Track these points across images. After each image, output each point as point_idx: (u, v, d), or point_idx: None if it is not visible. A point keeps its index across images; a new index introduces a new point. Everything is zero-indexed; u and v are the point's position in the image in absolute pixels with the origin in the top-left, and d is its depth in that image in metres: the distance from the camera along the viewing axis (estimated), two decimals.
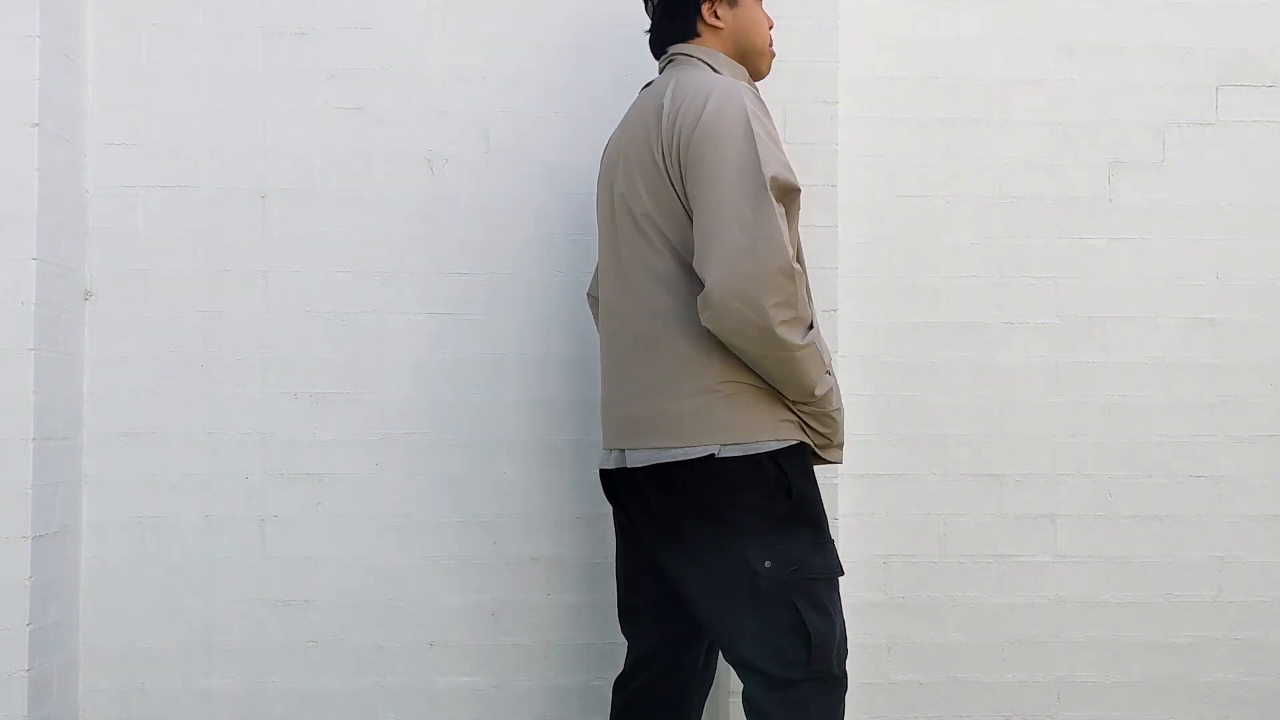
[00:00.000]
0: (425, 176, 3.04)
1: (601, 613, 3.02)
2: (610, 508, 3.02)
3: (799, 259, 2.38)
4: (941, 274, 3.12)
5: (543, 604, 3.02)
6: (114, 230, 2.99)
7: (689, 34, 2.51)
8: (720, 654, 2.49)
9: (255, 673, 2.98)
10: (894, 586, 3.09)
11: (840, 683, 2.35)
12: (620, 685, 2.58)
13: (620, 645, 3.01)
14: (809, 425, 2.38)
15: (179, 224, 3.01)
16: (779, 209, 2.25)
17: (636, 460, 2.38)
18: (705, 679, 2.60)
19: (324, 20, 3.04)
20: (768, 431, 2.35)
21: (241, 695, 2.98)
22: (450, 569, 3.01)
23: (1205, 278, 3.14)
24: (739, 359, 2.33)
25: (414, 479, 3.01)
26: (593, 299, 2.74)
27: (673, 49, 2.51)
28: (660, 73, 2.53)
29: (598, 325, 2.69)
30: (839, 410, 2.41)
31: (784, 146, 2.35)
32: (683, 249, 2.35)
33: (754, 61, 2.52)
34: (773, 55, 2.55)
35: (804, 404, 2.37)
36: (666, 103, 2.36)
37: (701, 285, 2.26)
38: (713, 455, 2.32)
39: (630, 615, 2.58)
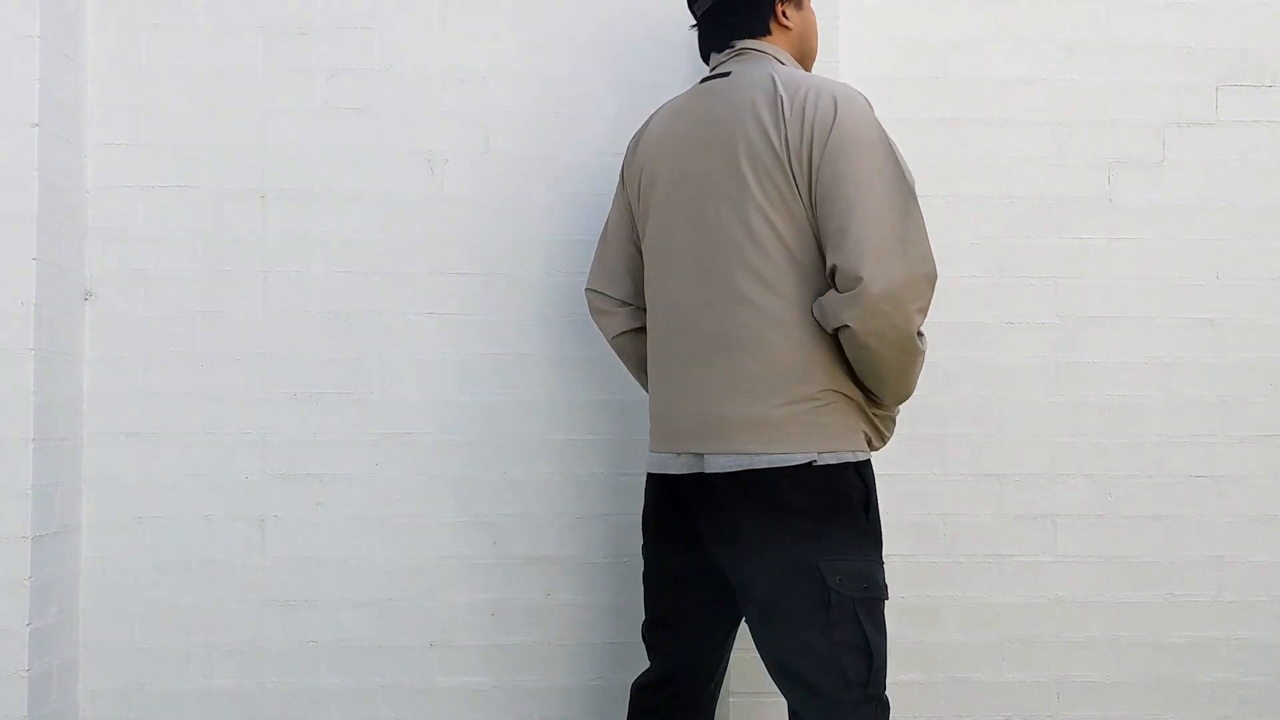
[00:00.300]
0: (425, 176, 3.04)
1: (601, 613, 3.02)
2: (610, 509, 3.03)
3: None
4: (941, 274, 3.10)
5: (543, 604, 3.02)
6: (114, 230, 2.99)
7: (761, 30, 2.50)
8: (768, 669, 2.40)
9: (255, 673, 2.98)
10: (894, 586, 3.08)
11: (887, 708, 2.33)
12: (643, 693, 2.56)
13: (620, 645, 3.02)
14: (877, 431, 2.42)
15: (179, 224, 3.01)
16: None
17: (722, 464, 2.32)
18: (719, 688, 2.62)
19: (324, 20, 3.04)
20: (855, 442, 2.37)
21: (241, 695, 2.98)
22: (450, 569, 3.01)
23: (1205, 277, 3.14)
24: (838, 366, 2.34)
25: (414, 479, 3.01)
26: (597, 294, 2.70)
27: (741, 43, 2.49)
28: (716, 65, 2.49)
29: (601, 320, 2.69)
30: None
31: None
32: (795, 247, 2.32)
33: (808, 65, 2.57)
34: None
35: (888, 410, 2.43)
36: (783, 94, 2.33)
37: (805, 286, 2.31)
38: (811, 463, 2.31)
39: (661, 626, 2.54)
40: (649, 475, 2.55)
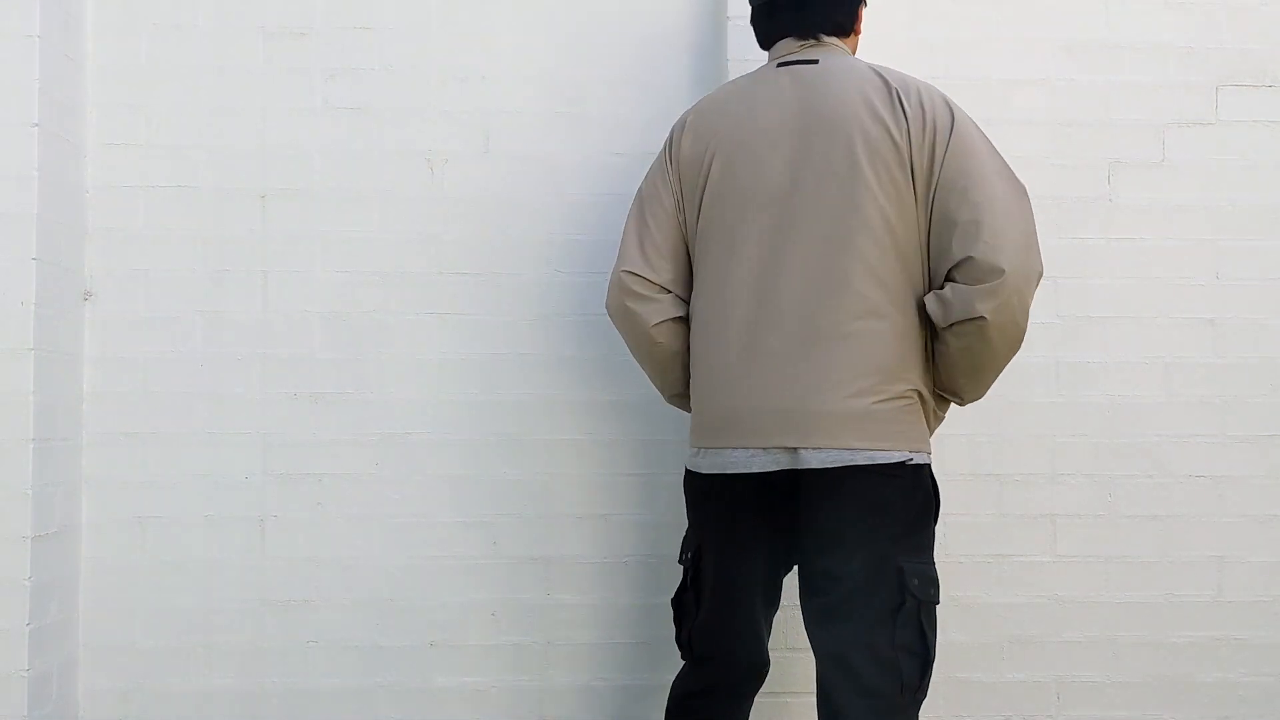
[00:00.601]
0: (425, 176, 3.04)
1: (601, 613, 3.02)
2: (609, 509, 3.03)
3: None
4: None
5: (542, 604, 3.02)
6: (114, 230, 2.99)
7: (849, 29, 2.54)
8: (821, 661, 2.40)
9: (255, 673, 2.98)
10: None
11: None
12: (694, 703, 2.52)
13: (619, 645, 3.02)
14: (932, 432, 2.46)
15: (179, 224, 3.01)
16: None
17: (822, 460, 2.30)
18: None
19: (324, 20, 3.04)
20: (928, 442, 2.43)
21: (241, 695, 2.98)
22: (450, 569, 3.01)
23: (1205, 277, 3.14)
24: (924, 364, 2.38)
25: (414, 479, 3.01)
26: (637, 278, 2.52)
27: (829, 38, 2.50)
28: (792, 53, 2.48)
29: (638, 306, 2.52)
30: None
31: None
32: (903, 240, 2.34)
33: None
34: None
35: (943, 411, 2.47)
36: (898, 89, 2.37)
37: (907, 281, 2.34)
38: (905, 462, 2.34)
39: (730, 635, 2.47)
40: (712, 476, 2.43)
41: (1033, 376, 3.10)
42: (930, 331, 2.41)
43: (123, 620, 2.97)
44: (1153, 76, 3.14)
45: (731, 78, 2.84)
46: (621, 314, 2.56)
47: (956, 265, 2.31)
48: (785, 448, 2.33)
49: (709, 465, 2.42)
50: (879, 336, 2.33)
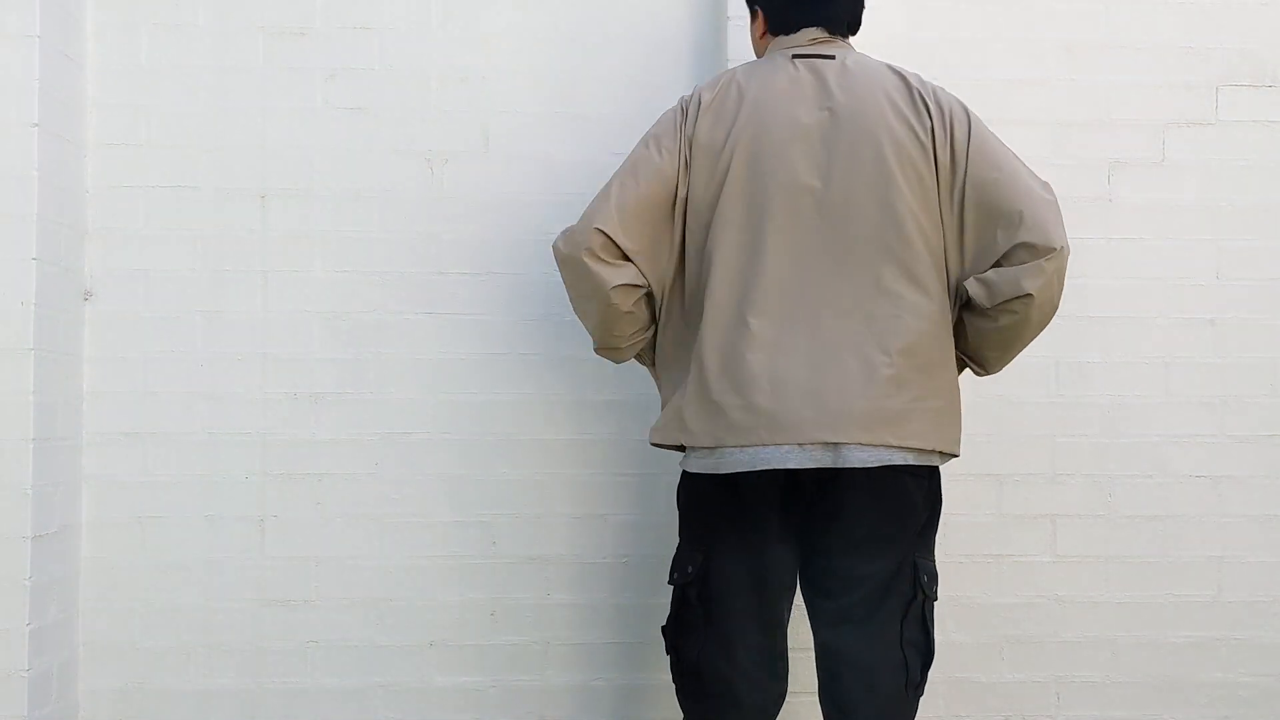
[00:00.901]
0: (425, 176, 3.04)
1: (600, 613, 3.02)
2: (608, 509, 3.03)
3: None
4: None
5: (541, 604, 3.02)
6: (114, 230, 3.00)
7: (856, 29, 2.58)
8: (831, 659, 2.41)
9: (255, 673, 2.98)
10: None
11: None
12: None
13: (619, 645, 3.02)
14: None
15: (179, 224, 3.01)
16: None
17: (863, 459, 2.30)
18: None
19: (324, 20, 3.04)
20: (958, 444, 2.47)
21: (241, 695, 2.98)
22: (449, 569, 3.01)
23: (1205, 277, 3.14)
24: (954, 363, 2.42)
25: (413, 479, 3.01)
26: (605, 237, 2.43)
27: (847, 39, 2.54)
28: (805, 46, 2.48)
29: (597, 266, 2.43)
30: None
31: None
32: (933, 240, 2.38)
33: None
34: None
35: (978, 374, 2.52)
36: (918, 87, 2.42)
37: (939, 280, 2.38)
38: (932, 462, 2.40)
39: (756, 651, 2.42)
40: (730, 476, 2.38)
41: (1033, 376, 3.10)
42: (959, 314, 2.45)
43: (123, 620, 2.97)
44: (1153, 76, 3.14)
45: None
46: (575, 267, 2.46)
47: (1005, 254, 2.36)
48: (825, 444, 2.31)
49: (730, 464, 2.35)
50: (916, 335, 2.34)
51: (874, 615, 2.37)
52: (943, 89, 2.47)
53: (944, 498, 3.08)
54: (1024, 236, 2.33)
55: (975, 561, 3.08)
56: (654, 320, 2.51)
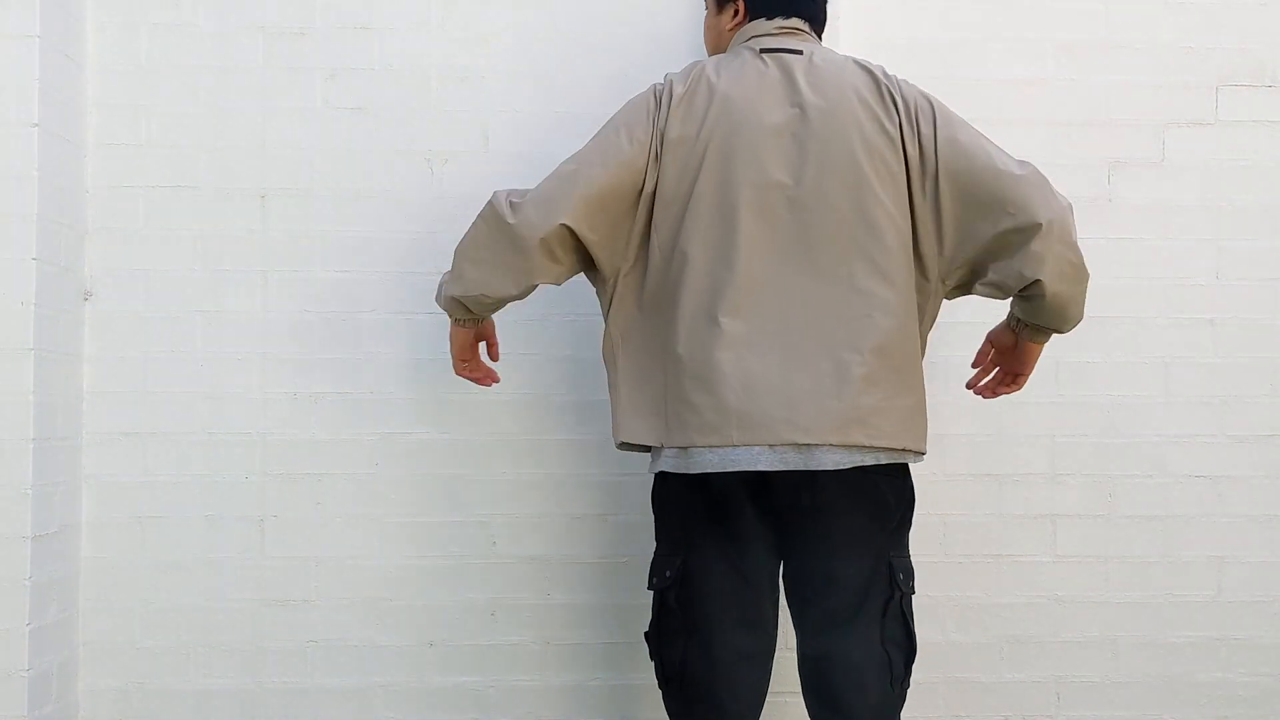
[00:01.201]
0: (425, 176, 3.04)
1: (600, 613, 3.03)
2: (608, 509, 3.03)
3: None
4: None
5: (541, 604, 3.02)
6: (114, 230, 3.00)
7: (824, 25, 2.58)
8: (819, 667, 2.41)
9: (255, 673, 2.99)
10: None
11: None
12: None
13: (619, 645, 3.02)
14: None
15: (179, 224, 3.01)
16: None
17: (836, 460, 2.30)
18: None
19: (324, 19, 3.04)
20: (924, 441, 2.45)
21: (241, 695, 2.98)
22: (449, 569, 3.01)
23: (1205, 277, 3.14)
24: (920, 359, 2.41)
25: (413, 479, 3.01)
26: (571, 233, 2.39)
27: (815, 35, 2.54)
28: (770, 39, 2.48)
29: (540, 263, 2.41)
30: None
31: None
32: (905, 236, 2.37)
33: None
34: None
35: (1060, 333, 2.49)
36: (883, 79, 2.42)
37: (908, 277, 2.38)
38: (905, 461, 2.39)
39: (741, 659, 2.42)
40: (702, 476, 2.38)
41: (1033, 376, 3.09)
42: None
43: (123, 620, 2.97)
44: (1153, 76, 3.14)
45: None
46: (516, 245, 2.40)
47: (995, 245, 2.35)
48: (797, 445, 2.30)
49: (701, 464, 2.34)
50: (887, 333, 2.34)
51: (855, 617, 2.37)
52: (907, 82, 2.46)
53: (944, 498, 3.09)
54: (1007, 223, 2.33)
55: (975, 561, 3.09)
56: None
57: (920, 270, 2.42)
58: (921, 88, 2.49)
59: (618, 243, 2.44)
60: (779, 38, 2.48)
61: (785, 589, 2.48)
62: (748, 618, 2.41)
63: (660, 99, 2.45)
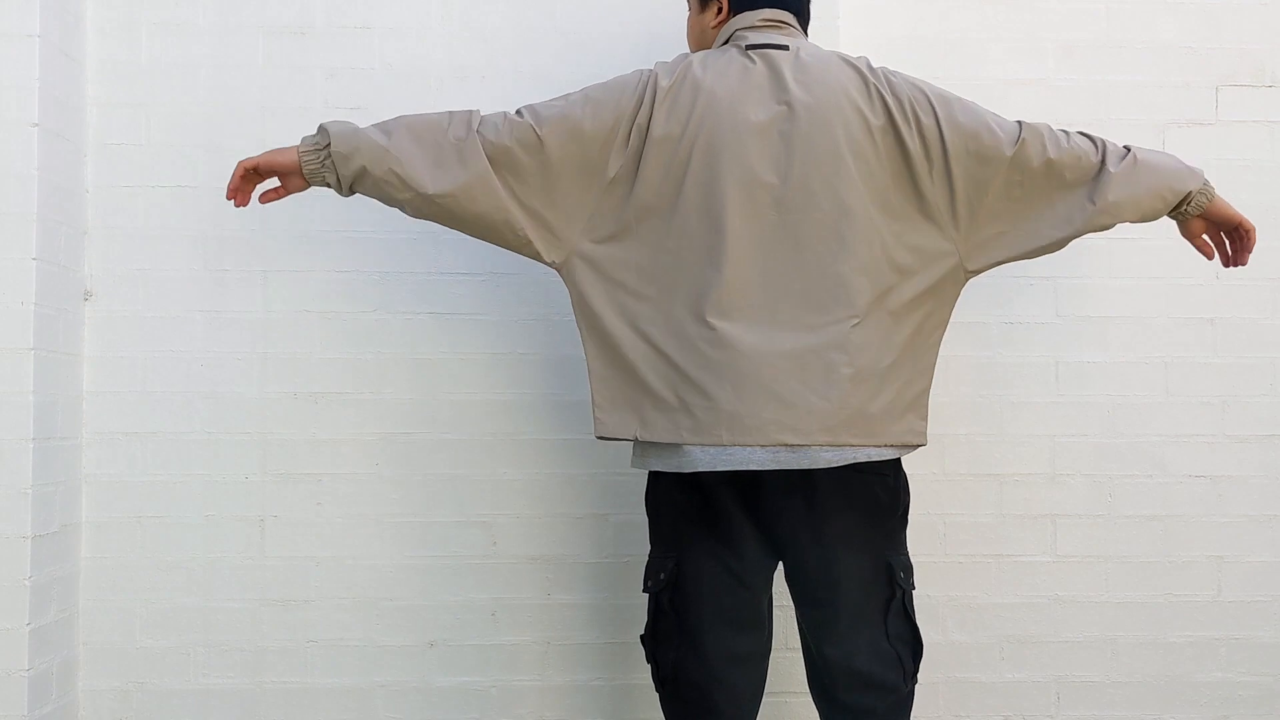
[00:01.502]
0: None
1: (601, 613, 3.02)
2: (609, 509, 3.03)
3: None
4: None
5: (542, 604, 3.02)
6: (114, 230, 2.99)
7: (808, 21, 2.59)
8: (831, 668, 2.42)
9: (255, 672, 2.99)
10: None
11: None
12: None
13: (619, 645, 3.02)
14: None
15: (179, 224, 3.01)
16: None
17: (828, 459, 2.31)
18: None
19: (324, 19, 3.04)
20: (918, 433, 2.44)
21: (241, 695, 2.98)
22: (450, 569, 3.01)
23: (1205, 278, 3.14)
24: (911, 353, 2.39)
25: (413, 479, 3.01)
26: (525, 150, 2.39)
27: (797, 26, 2.53)
28: (756, 34, 2.48)
29: (483, 187, 2.39)
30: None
31: None
32: (887, 237, 2.37)
33: None
34: None
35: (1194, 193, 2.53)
36: (871, 78, 2.41)
37: (894, 276, 2.39)
38: (897, 458, 2.40)
39: (734, 662, 2.41)
40: (692, 476, 2.39)
41: (1033, 376, 3.11)
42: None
43: (123, 620, 2.97)
44: (1153, 76, 3.14)
45: None
46: (469, 136, 2.38)
47: (998, 181, 2.41)
48: (789, 445, 2.30)
49: (692, 463, 2.34)
50: (873, 331, 2.34)
51: (860, 618, 2.38)
52: (895, 73, 2.45)
53: (944, 498, 3.10)
54: (1006, 153, 2.40)
55: (975, 561, 3.09)
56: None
57: (941, 252, 2.42)
58: (910, 75, 2.48)
59: (568, 206, 2.41)
60: (764, 31, 2.47)
61: (789, 590, 2.49)
62: (742, 620, 2.42)
63: (643, 96, 2.41)
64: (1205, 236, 2.62)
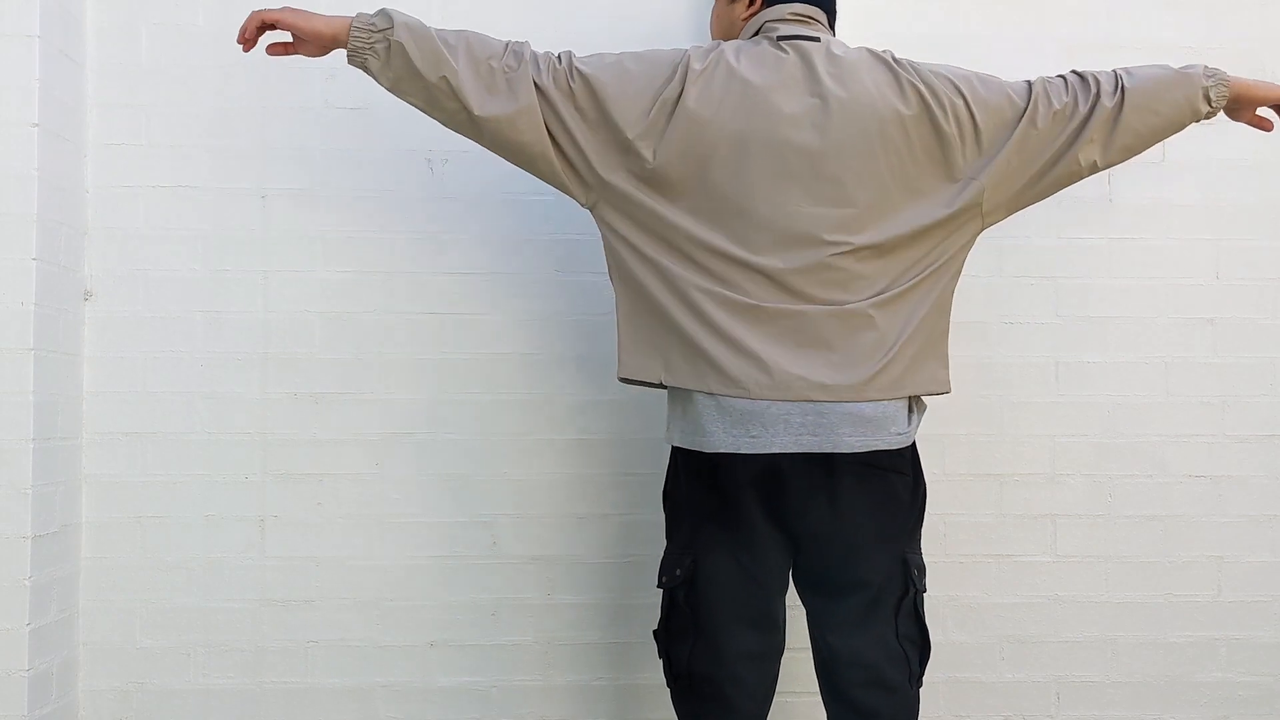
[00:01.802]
0: (425, 176, 3.04)
1: (601, 613, 3.02)
2: (610, 509, 3.02)
3: None
4: None
5: (543, 604, 3.02)
6: (114, 230, 2.99)
7: (834, 17, 2.60)
8: (841, 666, 2.43)
9: (255, 672, 2.98)
10: None
11: None
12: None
13: (620, 645, 3.02)
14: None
15: (179, 224, 3.01)
16: None
17: (851, 444, 2.34)
18: None
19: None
20: (940, 384, 2.48)
21: (241, 695, 2.98)
22: (450, 569, 3.01)
23: (1204, 277, 3.14)
24: (926, 336, 2.42)
25: (414, 478, 3.01)
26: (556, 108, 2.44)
27: (828, 26, 2.55)
28: (785, 25, 2.49)
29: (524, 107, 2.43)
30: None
31: None
32: (916, 224, 2.40)
33: None
34: None
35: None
36: (899, 71, 2.43)
37: (911, 263, 2.43)
38: (913, 444, 2.41)
39: (749, 658, 2.42)
40: (714, 473, 2.40)
41: (1033, 376, 3.11)
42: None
43: (123, 620, 2.97)
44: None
45: None
46: (512, 79, 2.43)
47: (1013, 130, 2.45)
48: (811, 400, 2.33)
49: (713, 444, 2.37)
50: (898, 302, 2.38)
51: (872, 615, 2.39)
52: (920, 65, 2.48)
53: (944, 498, 3.10)
54: (1023, 116, 2.45)
55: (975, 561, 3.09)
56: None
57: (966, 217, 2.46)
58: (932, 62, 2.51)
59: (594, 157, 2.45)
60: (793, 24, 2.49)
61: (800, 588, 2.49)
62: (757, 618, 2.42)
63: (678, 70, 2.43)
64: (1259, 113, 2.65)
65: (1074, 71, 2.53)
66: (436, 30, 2.45)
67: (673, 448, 2.51)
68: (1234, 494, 3.12)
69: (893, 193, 2.39)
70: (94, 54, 3.00)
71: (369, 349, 3.02)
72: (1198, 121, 2.59)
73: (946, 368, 2.47)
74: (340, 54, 2.49)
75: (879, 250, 2.38)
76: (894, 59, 2.47)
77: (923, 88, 2.42)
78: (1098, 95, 2.48)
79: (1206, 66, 2.56)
